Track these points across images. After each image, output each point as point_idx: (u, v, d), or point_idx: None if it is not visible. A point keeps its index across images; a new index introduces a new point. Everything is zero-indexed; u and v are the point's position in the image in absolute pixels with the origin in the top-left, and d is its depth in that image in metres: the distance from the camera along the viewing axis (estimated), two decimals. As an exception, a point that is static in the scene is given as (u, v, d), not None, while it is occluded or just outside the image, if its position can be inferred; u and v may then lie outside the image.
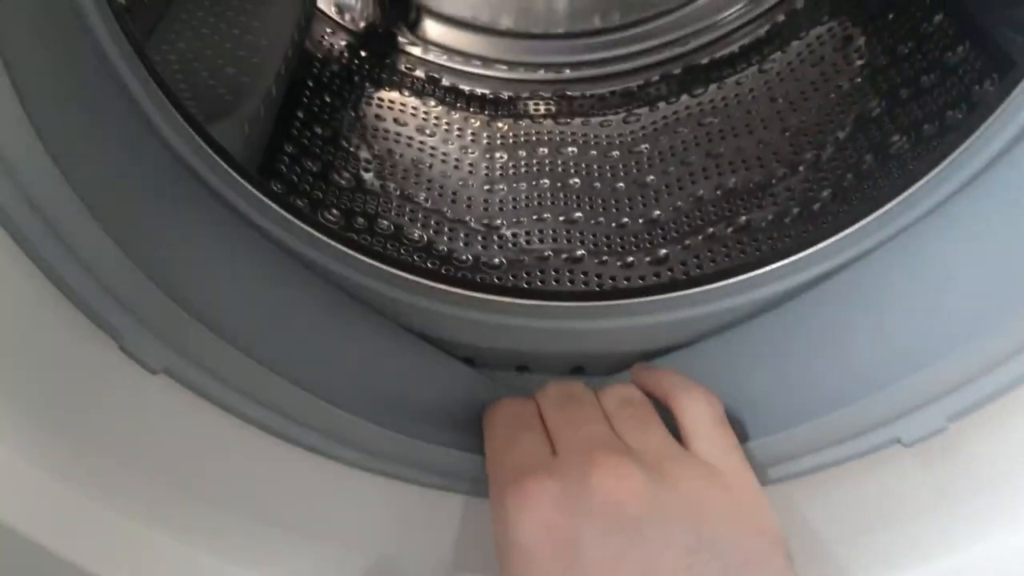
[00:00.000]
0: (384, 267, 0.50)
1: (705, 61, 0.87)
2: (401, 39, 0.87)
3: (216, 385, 0.37)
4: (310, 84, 0.75)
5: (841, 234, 0.50)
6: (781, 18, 0.85)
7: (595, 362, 0.52)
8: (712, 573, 0.34)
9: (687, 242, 0.69)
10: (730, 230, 0.68)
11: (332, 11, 0.83)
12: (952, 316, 0.41)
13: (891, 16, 0.72)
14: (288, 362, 0.40)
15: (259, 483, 0.40)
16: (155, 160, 0.40)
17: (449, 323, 0.51)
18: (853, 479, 0.39)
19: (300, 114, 0.71)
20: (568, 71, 0.90)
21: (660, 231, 0.71)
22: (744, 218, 0.68)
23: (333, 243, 0.48)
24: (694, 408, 0.41)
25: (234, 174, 0.45)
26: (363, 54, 0.83)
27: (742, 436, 0.43)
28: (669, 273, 0.67)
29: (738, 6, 0.87)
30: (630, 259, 0.69)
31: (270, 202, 0.45)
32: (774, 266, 0.51)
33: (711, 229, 0.69)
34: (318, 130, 0.72)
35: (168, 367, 0.36)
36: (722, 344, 0.49)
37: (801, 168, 0.69)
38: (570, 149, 0.81)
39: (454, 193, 0.75)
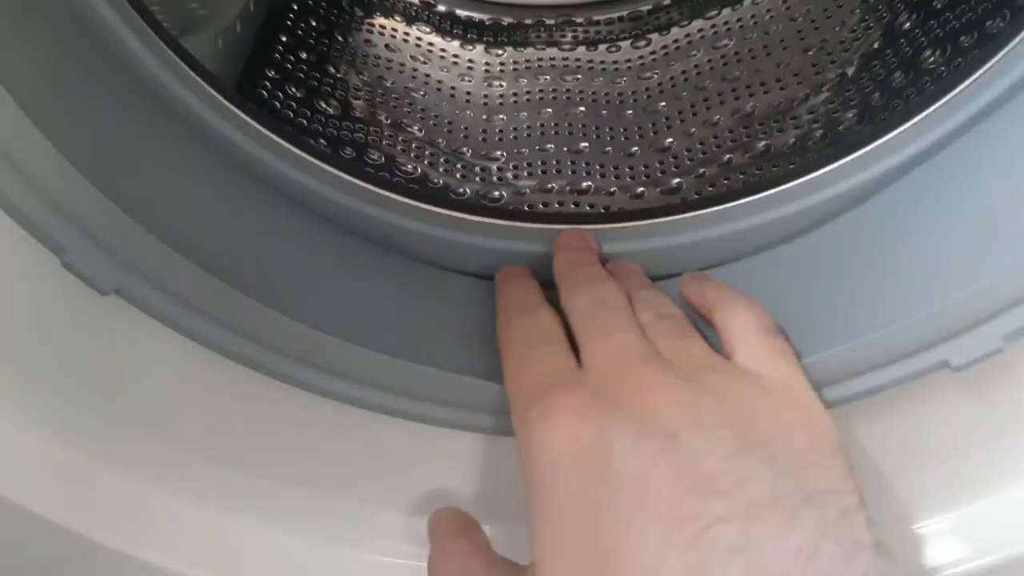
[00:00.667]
0: (377, 189, 0.45)
1: (719, -19, 0.81)
2: (393, -40, 0.81)
3: (180, 309, 0.32)
4: (295, 7, 0.70)
5: (874, 144, 0.45)
6: (801, -69, 0.79)
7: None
8: (760, 478, 0.30)
9: (702, 171, 0.64)
10: (748, 156, 0.63)
11: (317, -71, 0.78)
12: (1005, 227, 0.36)
13: (922, -78, 0.66)
14: (264, 285, 0.35)
15: (232, 421, 0.36)
16: (105, 61, 0.35)
17: (448, 247, 0.46)
18: (899, 407, 0.35)
19: (284, 38, 0.66)
20: (572, -5, 0.84)
21: (672, 159, 0.66)
22: (763, 143, 0.63)
23: (318, 163, 0.43)
24: (736, 318, 0.37)
25: (204, 84, 0.40)
26: (352, -24, 0.78)
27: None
28: (681, 201, 0.62)
29: (755, -79, 0.81)
30: (640, 190, 0.64)
31: (244, 115, 0.40)
32: (799, 181, 0.47)
33: (728, 156, 0.64)
34: (303, 55, 0.67)
35: (120, 287, 0.31)
36: (748, 266, 0.44)
37: (824, 88, 0.64)
38: (575, 76, 0.76)
39: (450, 123, 0.70)
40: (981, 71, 0.44)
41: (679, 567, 0.28)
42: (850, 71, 0.63)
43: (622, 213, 0.54)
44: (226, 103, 0.39)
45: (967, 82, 0.45)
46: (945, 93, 0.45)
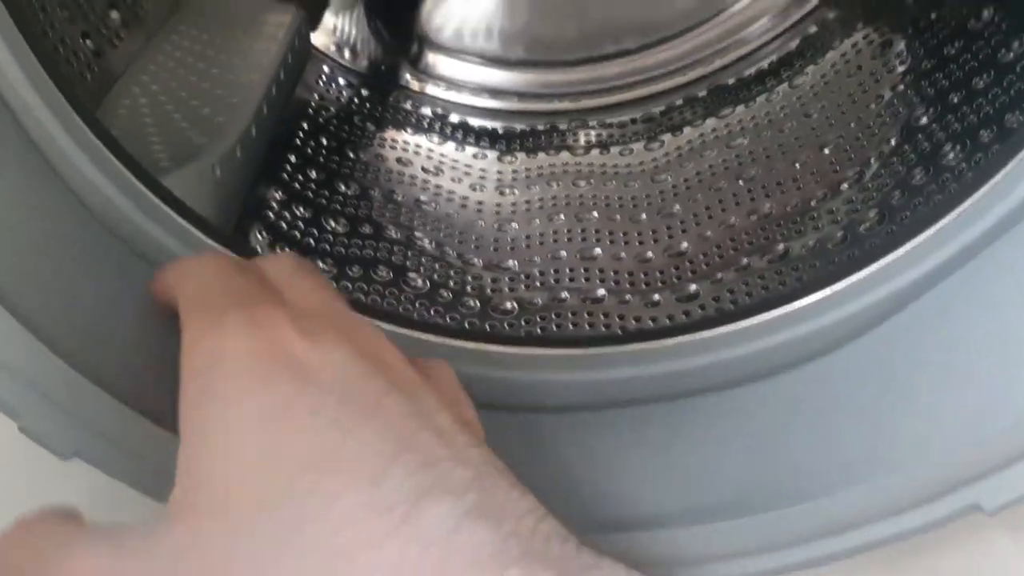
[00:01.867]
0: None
1: (732, 81, 0.81)
2: (405, 75, 0.82)
3: (143, 469, 0.31)
4: (305, 127, 0.70)
5: (896, 253, 0.43)
6: (812, 29, 0.78)
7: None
8: (490, 459, 0.29)
9: (719, 275, 0.62)
10: (767, 260, 0.61)
11: (331, 49, 0.79)
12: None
13: (933, 16, 0.65)
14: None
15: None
16: (68, 205, 0.34)
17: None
18: (926, 555, 0.32)
19: (293, 158, 0.67)
20: (584, 99, 0.84)
21: (688, 264, 0.64)
22: (782, 246, 0.61)
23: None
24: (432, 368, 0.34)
25: (191, 227, 0.39)
26: (364, 93, 0.78)
27: (788, 500, 0.35)
28: (700, 310, 0.60)
29: (764, 20, 0.81)
30: (655, 297, 0.62)
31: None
32: (819, 296, 0.44)
33: (745, 260, 0.62)
34: (312, 173, 0.67)
35: (80, 449, 0.30)
36: (759, 392, 0.42)
37: (843, 187, 0.62)
38: (588, 181, 0.75)
39: (461, 234, 0.69)
40: (1006, 168, 0.42)
41: (404, 481, 0.26)
42: (868, 169, 0.61)
43: (628, 335, 0.53)
44: (211, 242, 0.39)
45: (992, 181, 0.42)
46: (969, 194, 0.43)
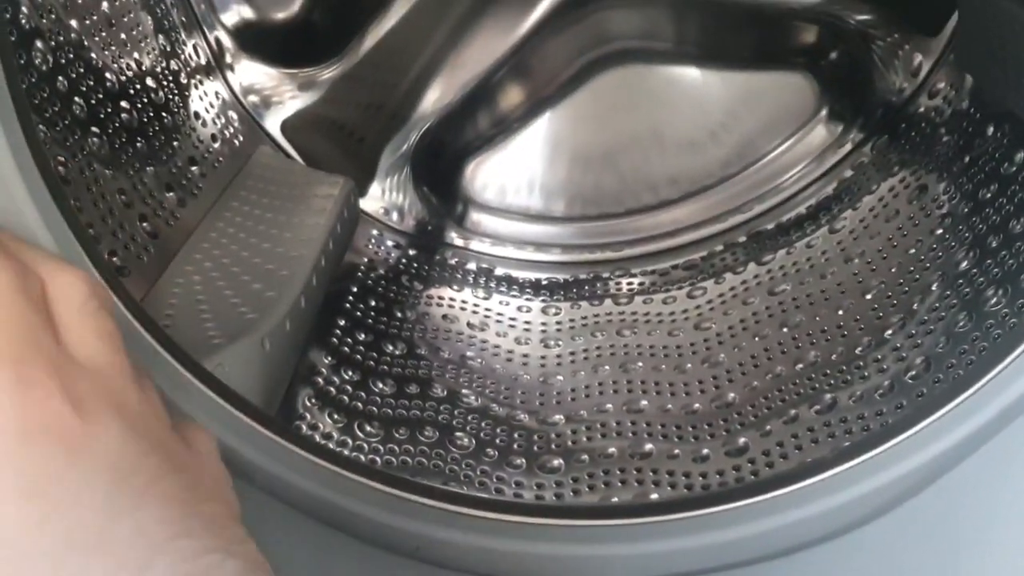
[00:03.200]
0: (416, 498, 0.44)
1: (771, 226, 0.82)
2: (451, 233, 0.85)
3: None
4: (354, 289, 0.73)
5: (942, 411, 0.42)
6: (848, 173, 0.80)
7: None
8: None
9: (767, 427, 0.61)
10: (815, 410, 0.60)
11: (379, 213, 0.82)
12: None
13: (967, 159, 0.66)
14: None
15: None
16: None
17: (502, 559, 0.44)
18: None
19: (341, 321, 0.69)
20: (627, 248, 0.86)
21: (736, 416, 0.64)
22: (829, 396, 0.60)
23: (354, 477, 0.43)
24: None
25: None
26: (411, 252, 0.81)
27: None
28: (749, 464, 0.59)
29: (801, 165, 0.83)
30: (704, 451, 0.61)
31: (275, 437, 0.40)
32: (867, 456, 0.43)
33: (793, 411, 0.61)
34: (360, 335, 0.69)
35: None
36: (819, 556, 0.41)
37: (888, 335, 0.62)
38: (632, 331, 0.75)
39: (507, 389, 0.70)
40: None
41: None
42: (912, 316, 0.61)
43: (668, 504, 0.52)
44: (255, 425, 0.40)
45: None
46: (1016, 346, 0.43)
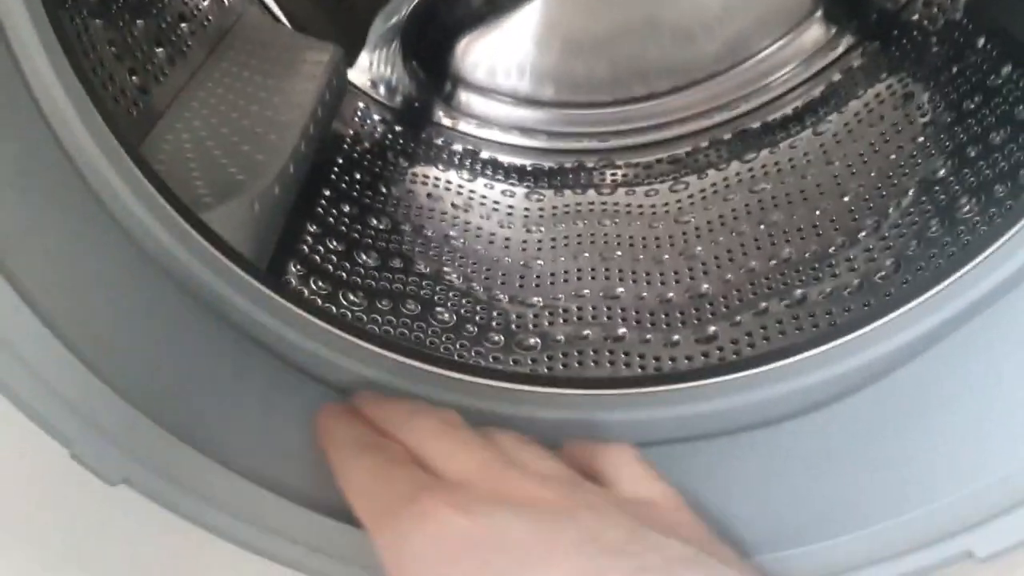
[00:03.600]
0: (403, 359, 0.45)
1: (757, 125, 0.82)
2: (438, 112, 0.85)
3: (190, 499, 0.33)
4: (340, 161, 0.73)
5: (909, 305, 0.44)
6: (837, 77, 0.80)
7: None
8: (667, 546, 0.29)
9: (737, 318, 0.63)
10: (784, 304, 0.62)
11: (366, 86, 0.82)
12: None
13: (954, 70, 0.67)
14: (279, 475, 0.35)
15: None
16: (114, 246, 0.37)
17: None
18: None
19: (327, 192, 0.69)
20: (612, 139, 0.86)
21: (708, 306, 0.66)
22: (800, 291, 0.63)
23: (341, 334, 0.44)
24: (610, 454, 0.37)
25: (229, 263, 0.41)
26: (397, 129, 0.81)
27: (786, 543, 0.37)
28: (718, 352, 0.61)
29: (791, 66, 0.83)
30: (675, 337, 0.64)
31: (262, 287, 0.41)
32: (832, 345, 0.45)
33: (764, 304, 0.63)
34: (345, 208, 0.69)
35: (128, 477, 0.32)
36: (766, 437, 0.43)
37: (861, 236, 0.63)
38: (613, 221, 0.77)
39: (488, 270, 0.71)
40: (1018, 225, 0.43)
41: None
42: (886, 219, 0.63)
43: (638, 378, 0.54)
44: (249, 279, 0.41)
45: (1004, 237, 0.44)
46: (983, 249, 0.45)
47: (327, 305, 0.60)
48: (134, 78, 0.58)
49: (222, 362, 0.37)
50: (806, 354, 0.46)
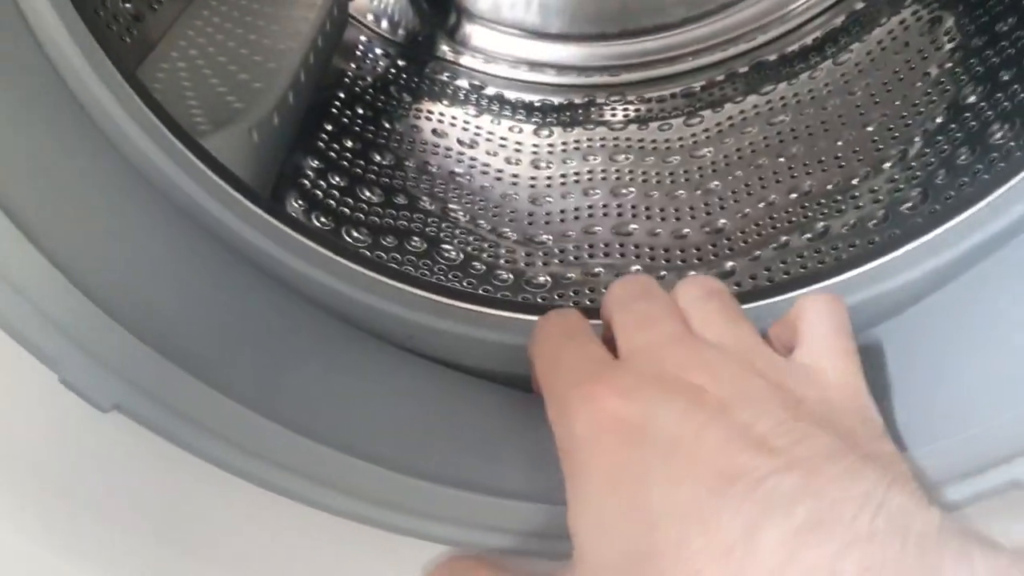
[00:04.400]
0: (410, 288, 0.43)
1: (774, 57, 0.79)
2: (442, 46, 0.81)
3: (184, 425, 0.31)
4: (341, 96, 0.70)
5: (935, 232, 0.42)
6: (859, 5, 0.77)
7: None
8: (815, 437, 0.28)
9: (757, 253, 0.61)
10: (806, 238, 0.60)
11: (368, 19, 0.78)
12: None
13: (986, -9, 0.63)
14: (277, 401, 0.33)
15: (243, 540, 0.34)
16: (111, 163, 0.34)
17: (480, 349, 0.44)
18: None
19: (329, 127, 0.67)
20: (624, 73, 0.83)
21: (726, 241, 0.63)
22: (822, 224, 0.60)
23: (341, 260, 0.42)
24: (810, 312, 0.35)
25: (226, 187, 0.39)
26: (401, 63, 0.78)
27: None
28: (736, 288, 0.59)
29: (810, -5, 0.79)
30: (691, 274, 0.61)
31: (264, 214, 0.39)
32: (860, 270, 0.43)
33: (784, 238, 0.61)
34: (348, 143, 0.67)
35: (120, 403, 0.30)
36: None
37: (886, 166, 0.61)
38: (625, 156, 0.74)
39: (496, 207, 0.69)
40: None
41: (735, 517, 0.26)
42: (912, 148, 0.60)
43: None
44: (246, 202, 0.39)
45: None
46: (1016, 173, 0.42)
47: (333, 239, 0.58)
48: (127, 5, 0.55)
49: (221, 288, 0.35)
50: (826, 282, 0.44)
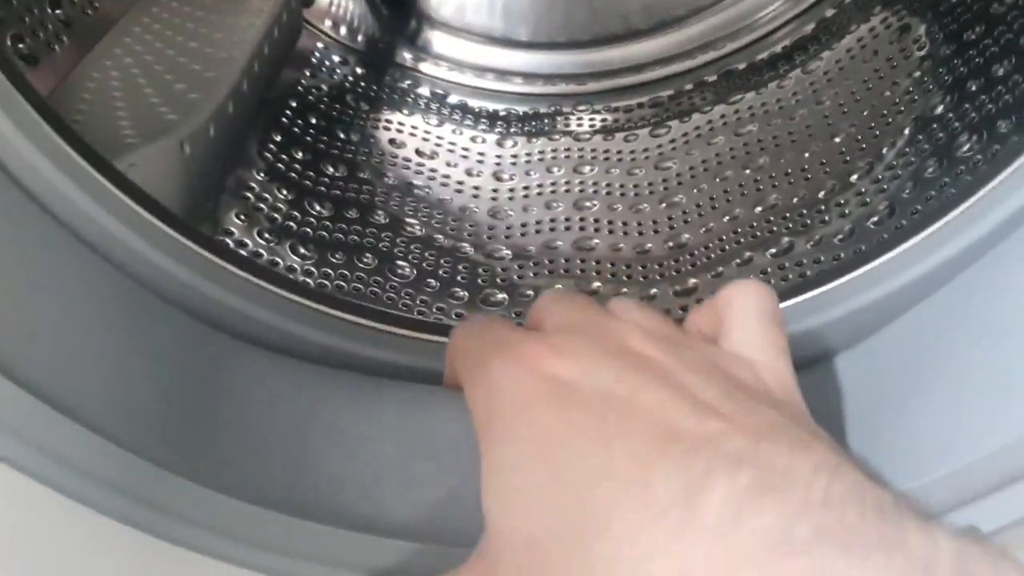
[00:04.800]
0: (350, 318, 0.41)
1: (743, 66, 0.77)
2: (403, 53, 0.79)
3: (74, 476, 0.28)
4: (293, 105, 0.68)
5: (901, 248, 0.40)
6: (829, 13, 0.75)
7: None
8: (761, 411, 0.27)
9: (720, 269, 0.59)
10: (771, 254, 0.58)
11: (326, 25, 0.76)
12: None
13: (955, -1, 0.62)
14: (147, 442, 0.31)
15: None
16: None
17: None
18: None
19: (277, 137, 0.64)
20: (591, 82, 0.81)
21: (689, 257, 0.61)
22: (787, 240, 0.58)
23: (278, 290, 0.39)
24: (736, 300, 0.33)
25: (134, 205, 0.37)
26: (359, 71, 0.76)
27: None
28: (697, 305, 0.57)
29: (779, 3, 0.78)
30: (653, 291, 0.59)
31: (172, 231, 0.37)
32: (824, 288, 0.41)
33: (748, 254, 0.59)
34: (298, 154, 0.64)
35: (5, 455, 0.27)
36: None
37: (853, 179, 0.59)
38: (590, 168, 0.72)
39: (454, 220, 0.66)
40: (1021, 159, 0.39)
41: (674, 477, 0.24)
42: (880, 160, 0.58)
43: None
44: (160, 224, 0.36)
45: (1006, 171, 0.39)
46: (982, 186, 0.40)
47: (274, 258, 0.55)
48: (57, 11, 0.52)
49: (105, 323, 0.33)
50: (788, 302, 0.41)
